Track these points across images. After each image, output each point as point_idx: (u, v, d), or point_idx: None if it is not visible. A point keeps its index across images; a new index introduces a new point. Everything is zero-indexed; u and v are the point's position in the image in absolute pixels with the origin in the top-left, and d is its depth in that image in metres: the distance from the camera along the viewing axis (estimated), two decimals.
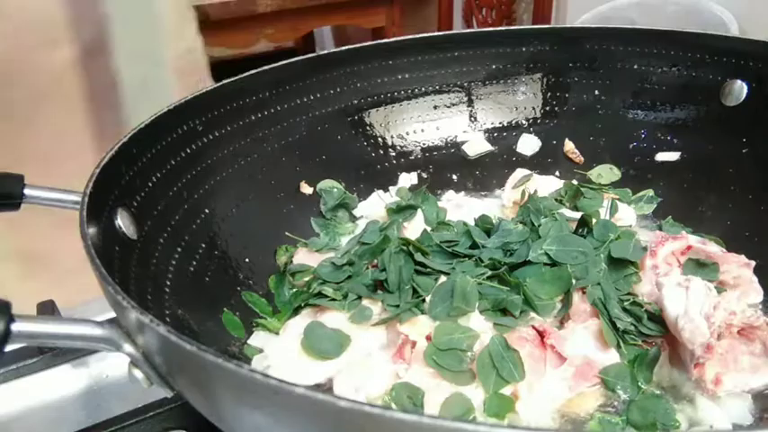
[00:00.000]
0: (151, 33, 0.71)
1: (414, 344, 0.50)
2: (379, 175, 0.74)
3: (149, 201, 0.53)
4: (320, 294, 0.57)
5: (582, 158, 0.74)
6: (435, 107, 0.77)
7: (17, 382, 0.56)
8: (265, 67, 0.67)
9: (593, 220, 0.60)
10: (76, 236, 0.40)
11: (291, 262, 0.63)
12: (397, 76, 0.75)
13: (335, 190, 0.70)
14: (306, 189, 0.69)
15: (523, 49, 0.76)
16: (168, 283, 0.52)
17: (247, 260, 0.61)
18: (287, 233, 0.65)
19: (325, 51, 0.71)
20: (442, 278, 0.55)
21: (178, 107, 0.58)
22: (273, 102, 0.67)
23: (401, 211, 0.65)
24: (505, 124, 0.78)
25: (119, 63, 0.70)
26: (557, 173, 0.74)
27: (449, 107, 0.77)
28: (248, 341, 0.55)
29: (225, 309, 0.55)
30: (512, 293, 0.53)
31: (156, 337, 0.34)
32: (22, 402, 0.55)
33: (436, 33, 0.77)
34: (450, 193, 0.74)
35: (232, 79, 0.64)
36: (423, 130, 0.77)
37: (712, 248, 0.56)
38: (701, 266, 0.55)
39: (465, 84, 0.77)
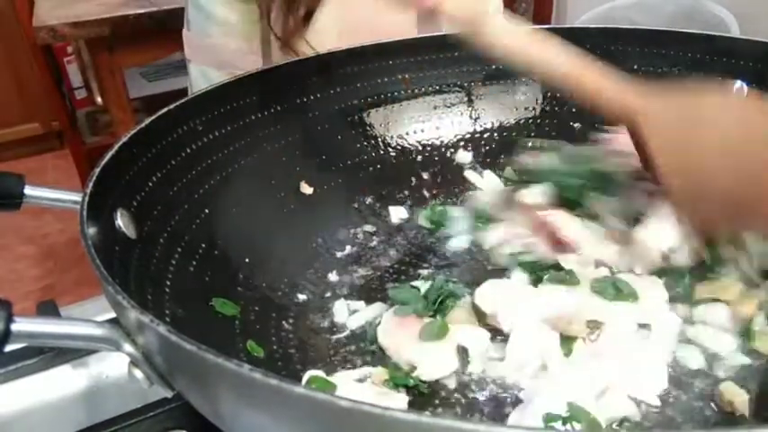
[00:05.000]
0: None
1: None
2: (380, 176, 0.74)
3: (149, 201, 0.53)
4: None
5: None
6: (435, 107, 0.77)
7: (17, 382, 0.56)
8: (265, 67, 0.68)
9: None
10: None
11: None
12: (397, 76, 0.75)
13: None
14: (306, 189, 0.69)
15: None
16: (168, 283, 0.51)
17: (247, 260, 0.61)
18: None
19: (325, 51, 0.71)
20: None
21: (178, 107, 0.58)
22: (273, 102, 0.67)
23: None
24: (505, 124, 0.77)
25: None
26: None
27: (449, 107, 0.77)
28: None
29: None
30: None
31: (156, 337, 0.34)
32: (22, 402, 0.55)
33: (436, 33, 0.77)
34: None
35: (232, 78, 0.64)
36: (423, 130, 0.77)
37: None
38: None
39: (465, 84, 0.77)
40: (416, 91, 0.76)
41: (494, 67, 0.76)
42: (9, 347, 0.34)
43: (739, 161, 0.51)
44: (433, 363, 0.50)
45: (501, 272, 0.61)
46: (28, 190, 0.50)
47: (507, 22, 0.57)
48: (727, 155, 0.51)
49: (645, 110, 0.52)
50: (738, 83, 0.67)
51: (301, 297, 0.61)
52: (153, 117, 0.55)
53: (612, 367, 0.48)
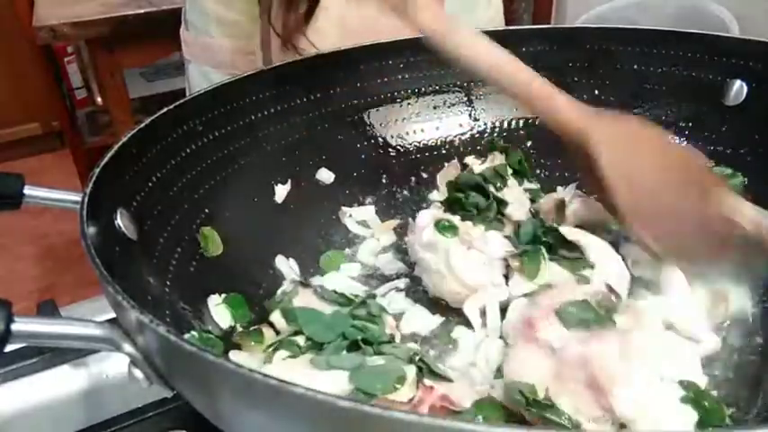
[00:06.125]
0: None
1: None
2: (379, 176, 0.74)
3: (149, 201, 0.53)
4: None
5: None
6: (435, 107, 0.77)
7: (17, 382, 0.56)
8: (265, 67, 0.68)
9: None
10: None
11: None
12: (396, 76, 0.75)
13: None
14: (306, 189, 0.69)
15: (523, 50, 0.76)
16: (168, 283, 0.52)
17: (247, 260, 0.61)
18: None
19: (325, 51, 0.71)
20: None
21: (178, 107, 0.58)
22: (273, 102, 0.67)
23: None
24: (505, 124, 0.77)
25: None
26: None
27: (449, 107, 0.77)
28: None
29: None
30: None
31: (156, 337, 0.34)
32: (22, 402, 0.55)
33: None
34: None
35: (232, 78, 0.64)
36: (423, 130, 0.77)
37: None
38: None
39: (465, 84, 0.77)
40: (416, 91, 0.76)
41: None
42: (9, 347, 0.35)
43: (678, 178, 0.55)
44: None
45: None
46: (28, 190, 0.50)
47: (473, 33, 0.58)
48: (668, 171, 0.55)
49: (595, 128, 0.54)
50: (738, 83, 0.67)
51: None
52: (153, 117, 0.55)
53: None
